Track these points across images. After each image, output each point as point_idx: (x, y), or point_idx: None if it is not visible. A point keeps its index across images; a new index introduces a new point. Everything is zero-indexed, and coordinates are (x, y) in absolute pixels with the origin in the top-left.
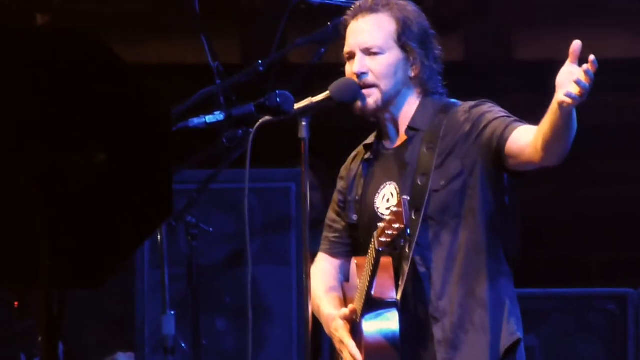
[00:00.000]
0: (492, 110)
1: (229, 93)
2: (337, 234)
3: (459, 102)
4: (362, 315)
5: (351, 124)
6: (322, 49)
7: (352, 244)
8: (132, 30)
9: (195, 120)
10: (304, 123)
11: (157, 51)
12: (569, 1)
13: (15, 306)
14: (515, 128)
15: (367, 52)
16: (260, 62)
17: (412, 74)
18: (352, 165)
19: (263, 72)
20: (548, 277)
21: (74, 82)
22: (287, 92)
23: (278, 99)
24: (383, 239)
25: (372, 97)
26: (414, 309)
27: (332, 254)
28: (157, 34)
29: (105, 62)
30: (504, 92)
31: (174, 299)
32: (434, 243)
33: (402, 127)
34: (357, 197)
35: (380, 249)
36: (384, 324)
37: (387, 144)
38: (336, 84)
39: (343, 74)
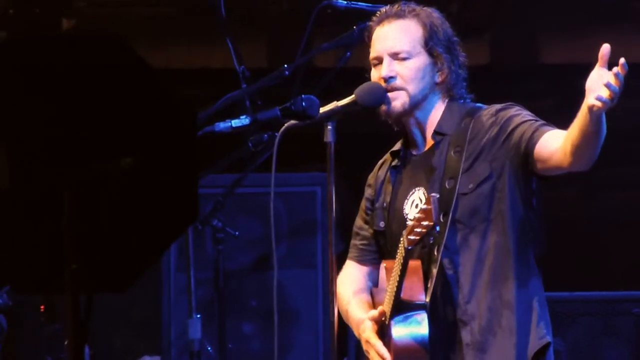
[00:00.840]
0: (520, 114)
1: (254, 97)
2: (364, 241)
3: (484, 106)
4: (391, 318)
5: (372, 129)
6: (348, 53)
7: (380, 251)
8: (158, 35)
9: (221, 125)
10: (329, 127)
11: (183, 56)
12: (595, 5)
13: (42, 310)
14: (544, 132)
15: (395, 56)
16: (286, 66)
17: (439, 79)
18: (379, 172)
19: (289, 77)
20: (574, 281)
21: (99, 87)
22: (312, 97)
23: (304, 103)
24: (412, 237)
25: (399, 100)
26: (443, 312)
27: (360, 261)
28: (183, 38)
29: (132, 67)
30: (531, 96)
31: (200, 302)
32: (463, 246)
33: (429, 132)
34: (384, 204)
35: (410, 247)
36: (413, 326)
37: (414, 150)
38: (362, 88)
39: (368, 78)
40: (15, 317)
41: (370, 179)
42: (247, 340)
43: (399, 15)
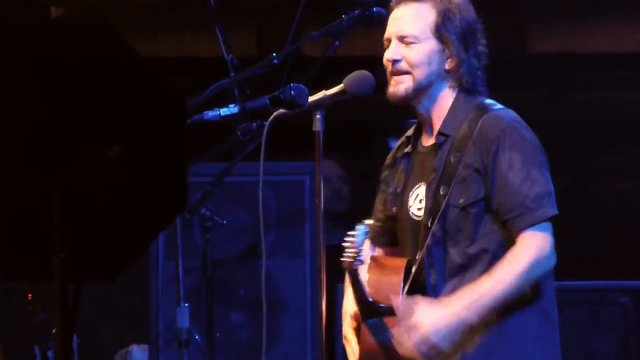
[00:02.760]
0: (512, 164)
1: (243, 86)
2: (379, 223)
3: (494, 107)
4: (362, 319)
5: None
6: (337, 42)
7: (394, 234)
8: (146, 23)
9: (210, 113)
10: (318, 116)
11: (172, 44)
12: None
13: (29, 299)
14: (517, 234)
15: (402, 39)
16: (274, 55)
17: (447, 67)
18: (396, 154)
19: (278, 65)
20: (561, 270)
21: (88, 75)
22: (301, 85)
23: (292, 92)
24: (343, 259)
25: (403, 85)
26: None
27: (374, 242)
28: (172, 27)
29: (120, 56)
30: (520, 86)
31: (188, 291)
32: (445, 256)
33: (436, 123)
34: (397, 191)
35: (347, 270)
36: (378, 330)
37: (424, 140)
38: (350, 77)
39: (358, 66)
40: (2, 305)
41: (388, 159)
42: (235, 329)
43: None
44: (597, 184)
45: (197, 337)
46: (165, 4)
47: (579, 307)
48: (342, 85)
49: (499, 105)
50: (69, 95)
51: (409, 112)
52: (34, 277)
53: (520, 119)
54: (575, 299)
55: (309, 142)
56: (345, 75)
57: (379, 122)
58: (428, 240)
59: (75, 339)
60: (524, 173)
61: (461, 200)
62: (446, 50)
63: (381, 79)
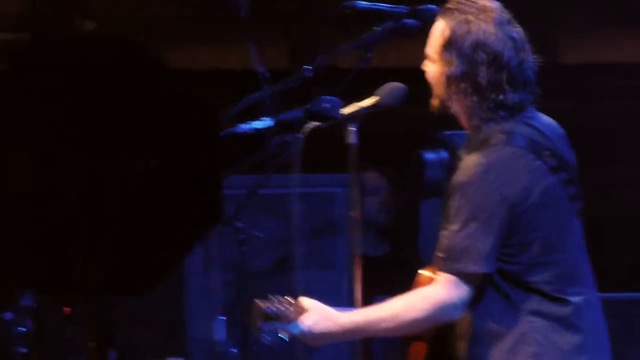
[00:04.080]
0: (458, 212)
1: (276, 99)
2: None
3: (490, 144)
4: None
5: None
6: (369, 54)
7: None
8: (179, 36)
9: (243, 126)
10: (351, 128)
11: (205, 57)
12: (615, 5)
13: (65, 313)
14: (437, 272)
15: (426, 56)
16: (307, 67)
17: (454, 91)
18: None
19: (310, 78)
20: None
21: (121, 89)
22: (334, 98)
23: (325, 105)
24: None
25: (434, 99)
26: None
27: None
28: (205, 39)
29: (154, 69)
30: (548, 96)
31: (224, 304)
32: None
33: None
34: None
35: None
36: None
37: None
38: (383, 89)
39: (390, 78)
40: (38, 319)
41: None
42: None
43: (442, 13)
44: (623, 193)
45: (233, 350)
46: (198, 17)
47: (612, 318)
48: (374, 97)
49: (504, 139)
50: (103, 110)
51: (443, 123)
52: (72, 291)
53: (500, 166)
54: (608, 310)
55: (342, 154)
56: (378, 87)
57: (412, 133)
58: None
59: (111, 352)
60: (463, 223)
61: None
62: (452, 72)
63: (413, 90)
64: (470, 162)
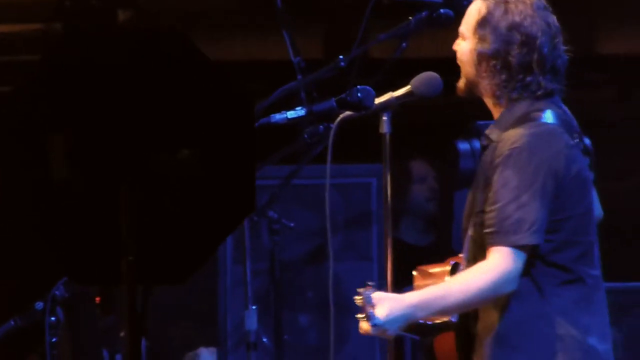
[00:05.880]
0: (506, 183)
1: (310, 89)
2: None
3: (534, 119)
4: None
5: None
6: (404, 44)
7: None
8: (214, 27)
9: (277, 116)
10: (385, 118)
11: (240, 47)
12: None
13: (98, 302)
14: (489, 249)
15: (459, 34)
16: (341, 57)
17: (485, 68)
18: None
19: (345, 68)
20: (630, 271)
21: (157, 79)
22: (368, 87)
23: (359, 94)
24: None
25: (461, 79)
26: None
27: None
28: (240, 30)
29: (189, 59)
30: (589, 86)
31: (256, 294)
32: (473, 262)
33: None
34: None
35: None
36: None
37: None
38: (417, 79)
39: (424, 68)
40: (70, 308)
41: None
42: (303, 332)
43: None
44: None
45: (265, 340)
46: (233, 7)
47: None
48: (409, 86)
49: (542, 116)
50: (139, 100)
51: (478, 113)
52: (103, 281)
53: (546, 139)
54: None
55: (376, 144)
56: (412, 77)
57: (447, 123)
58: (469, 245)
59: (143, 342)
60: (515, 194)
61: (480, 208)
62: (485, 50)
63: (448, 80)
64: (513, 136)
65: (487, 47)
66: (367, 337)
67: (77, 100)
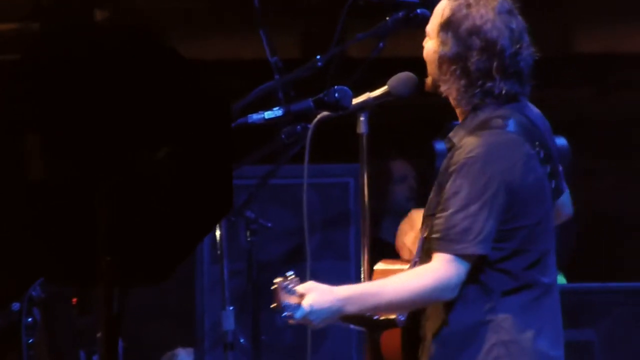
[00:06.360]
0: (457, 192)
1: (287, 88)
2: None
3: (491, 126)
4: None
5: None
6: (381, 44)
7: None
8: (191, 26)
9: (254, 116)
10: (362, 118)
11: (216, 47)
12: None
13: (74, 303)
14: (433, 254)
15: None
16: (319, 57)
17: (445, 70)
18: None
19: (322, 67)
20: (607, 271)
21: (133, 79)
22: (345, 88)
23: (337, 94)
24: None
25: (428, 77)
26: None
27: None
28: (216, 29)
29: (165, 59)
30: (564, 85)
31: (233, 294)
32: (425, 263)
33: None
34: None
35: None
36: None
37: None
38: (394, 79)
39: (402, 68)
40: (47, 309)
41: None
42: (280, 332)
43: None
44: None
45: (242, 340)
46: (210, 7)
47: (625, 308)
48: (385, 86)
49: (503, 123)
50: (115, 99)
51: (454, 112)
52: (79, 281)
53: (504, 150)
54: (621, 300)
55: (354, 144)
56: (390, 77)
57: (425, 123)
58: (422, 246)
59: (120, 342)
60: (464, 204)
61: (432, 211)
62: (445, 53)
63: (424, 79)
64: (470, 144)
65: (447, 50)
66: (344, 335)
67: (54, 99)
